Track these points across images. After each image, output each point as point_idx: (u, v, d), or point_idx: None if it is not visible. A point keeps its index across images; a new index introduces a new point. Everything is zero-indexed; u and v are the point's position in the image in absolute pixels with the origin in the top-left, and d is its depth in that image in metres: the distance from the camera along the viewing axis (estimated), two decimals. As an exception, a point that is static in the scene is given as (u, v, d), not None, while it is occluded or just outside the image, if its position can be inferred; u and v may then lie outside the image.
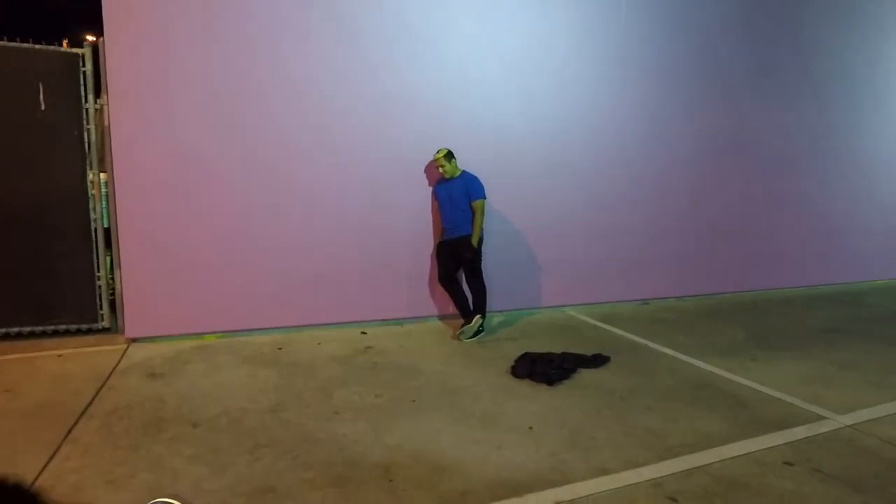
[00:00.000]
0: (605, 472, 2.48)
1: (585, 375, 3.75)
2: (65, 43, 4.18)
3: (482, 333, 4.62)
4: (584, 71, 5.53)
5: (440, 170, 4.63)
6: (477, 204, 4.55)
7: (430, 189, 4.96)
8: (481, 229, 4.57)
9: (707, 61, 6.19)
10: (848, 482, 2.41)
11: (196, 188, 4.26)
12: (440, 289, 4.86)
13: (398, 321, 4.97)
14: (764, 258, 6.95)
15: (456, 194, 4.59)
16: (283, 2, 4.37)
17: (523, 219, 5.38)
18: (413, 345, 4.38)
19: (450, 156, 4.62)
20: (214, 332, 4.40)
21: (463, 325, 4.58)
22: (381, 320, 4.92)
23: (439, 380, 3.60)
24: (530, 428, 2.91)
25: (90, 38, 4.33)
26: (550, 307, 5.65)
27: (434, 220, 4.98)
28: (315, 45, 4.49)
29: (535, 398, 3.34)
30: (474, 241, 4.52)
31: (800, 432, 2.92)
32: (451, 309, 5.02)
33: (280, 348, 4.16)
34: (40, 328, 4.14)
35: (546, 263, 5.59)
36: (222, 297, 4.40)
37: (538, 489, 2.32)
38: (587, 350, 4.20)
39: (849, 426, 3.01)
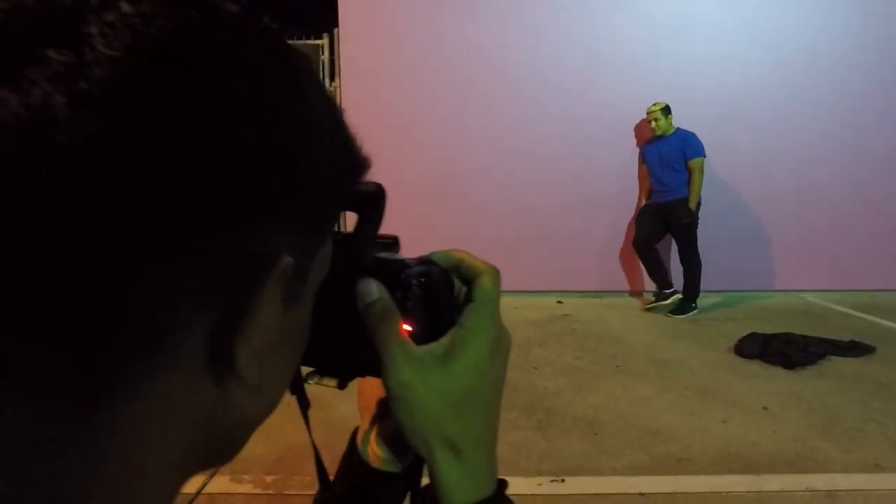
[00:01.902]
0: (879, 468, 1.94)
1: (839, 364, 3.04)
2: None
3: (695, 311, 4.09)
4: (828, 15, 4.48)
5: (653, 124, 4.15)
6: (695, 163, 4.01)
7: (637, 154, 4.57)
8: (699, 192, 4.04)
9: None
10: None
11: (412, 157, 4.60)
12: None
13: (597, 293, 4.71)
14: None
15: (668, 153, 4.11)
16: (488, -29, 4.46)
17: (751, 184, 4.60)
18: (614, 317, 4.10)
19: (667, 110, 4.14)
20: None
21: (656, 301, 4.18)
22: (579, 291, 4.70)
23: (646, 350, 3.28)
24: (764, 408, 2.45)
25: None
26: (783, 291, 4.74)
27: (642, 186, 4.57)
28: (519, 8, 4.48)
29: (768, 379, 2.81)
30: (692, 205, 4.01)
31: None
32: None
33: (478, 309, 4.27)
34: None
35: (780, 239, 4.71)
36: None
37: (781, 472, 1.92)
38: (839, 338, 3.40)
39: None
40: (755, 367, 2.99)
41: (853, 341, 3.26)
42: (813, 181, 4.63)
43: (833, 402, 2.52)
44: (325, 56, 4.76)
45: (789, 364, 2.94)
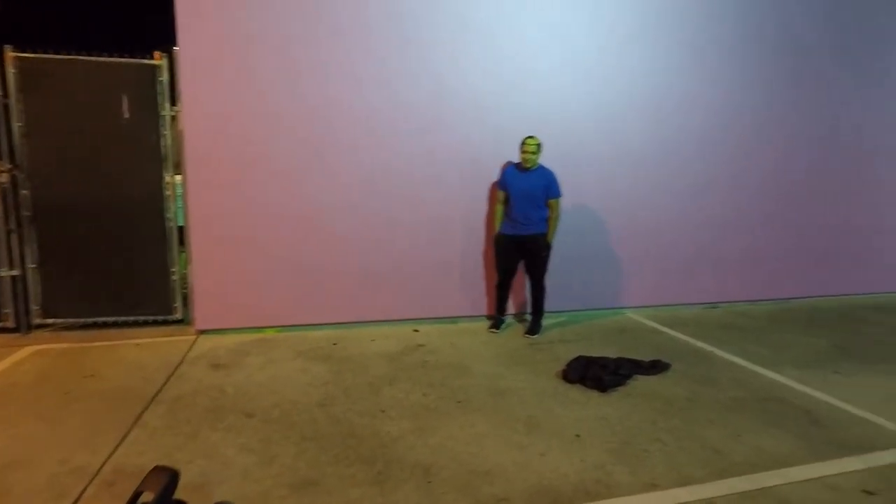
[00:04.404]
0: (654, 487, 2.35)
1: (642, 383, 3.58)
2: (157, 55, 4.48)
3: (538, 335, 4.59)
4: (649, 56, 5.24)
5: (528, 156, 4.44)
6: (556, 202, 4.51)
7: (487, 186, 4.91)
8: (557, 228, 4.59)
9: (788, 42, 5.69)
10: (940, 518, 2.14)
11: (261, 188, 4.46)
12: (495, 286, 4.83)
13: (452, 319, 4.97)
14: (855, 259, 6.32)
15: (535, 188, 4.47)
16: (340, 3, 4.47)
17: (581, 215, 5.21)
18: (465, 343, 4.37)
19: (541, 146, 4.50)
20: (274, 326, 4.60)
21: (493, 326, 4.76)
22: (435, 318, 4.94)
23: (488, 381, 3.56)
24: (577, 436, 2.82)
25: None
26: (609, 309, 5.44)
27: (490, 212, 4.88)
28: (373, 44, 4.56)
29: (585, 404, 3.22)
30: (551, 239, 4.55)
31: (884, 457, 2.62)
32: (513, 308, 5.03)
33: (334, 344, 4.28)
34: (123, 318, 4.51)
35: (605, 263, 5.38)
36: (282, 294, 4.59)
37: (579, 501, 2.23)
38: (646, 355, 4.01)
39: (946, 453, 2.67)
40: (576, 392, 3.41)
41: (654, 361, 3.86)
42: (629, 211, 5.37)
43: (631, 423, 2.98)
44: (164, 78, 4.41)
45: (602, 388, 3.40)
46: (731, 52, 5.49)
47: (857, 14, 5.94)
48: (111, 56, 4.35)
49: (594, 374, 3.52)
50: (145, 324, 4.54)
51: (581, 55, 5.05)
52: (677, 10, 5.27)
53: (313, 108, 4.51)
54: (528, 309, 4.86)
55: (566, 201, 4.98)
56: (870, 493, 2.32)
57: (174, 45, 4.32)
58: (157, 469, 0.49)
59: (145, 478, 0.48)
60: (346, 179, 4.63)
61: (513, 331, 4.77)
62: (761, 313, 5.58)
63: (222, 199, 4.41)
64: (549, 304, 4.77)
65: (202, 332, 4.46)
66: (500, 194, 4.66)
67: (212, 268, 4.45)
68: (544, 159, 4.63)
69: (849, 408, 3.21)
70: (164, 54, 4.46)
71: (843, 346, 4.49)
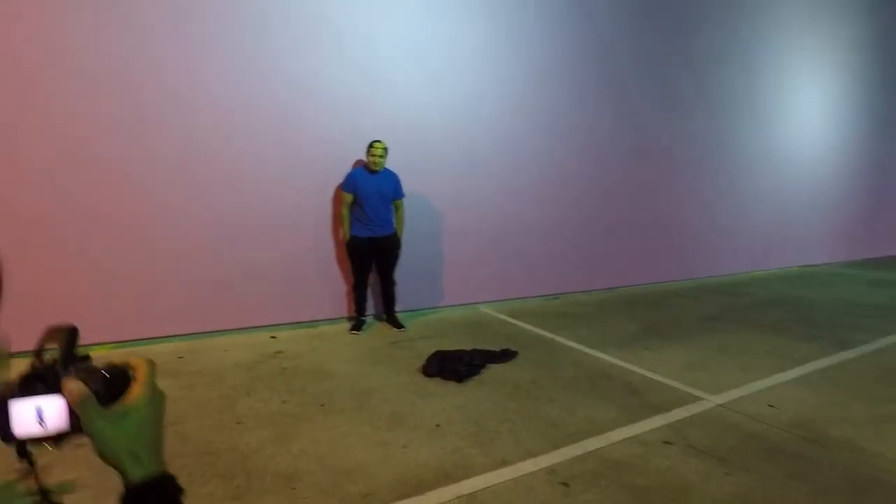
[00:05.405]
0: (504, 463, 2.61)
1: (493, 371, 3.90)
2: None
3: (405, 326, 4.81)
4: (493, 66, 5.71)
5: (376, 160, 4.55)
6: (402, 202, 4.79)
7: (335, 187, 4.90)
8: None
9: (608, 70, 6.61)
10: (715, 456, 2.71)
11: (83, 186, 3.94)
12: (352, 288, 4.86)
13: (311, 323, 4.89)
14: (659, 253, 7.55)
15: (386, 190, 4.64)
16: (179, -9, 4.13)
17: (436, 218, 5.48)
18: (326, 347, 4.33)
19: (387, 150, 4.67)
20: (106, 343, 4.10)
21: (354, 328, 4.79)
22: (293, 323, 4.81)
23: (350, 382, 3.59)
24: (437, 425, 2.99)
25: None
26: (464, 304, 5.80)
27: (336, 214, 4.89)
28: (216, 38, 4.29)
29: (443, 396, 3.42)
30: (401, 236, 4.81)
31: (679, 413, 3.22)
32: (373, 308, 5.06)
33: (181, 357, 3.95)
34: None
35: (459, 262, 5.72)
36: (114, 305, 4.10)
37: (440, 486, 2.40)
38: (497, 345, 4.37)
39: (720, 405, 3.36)
40: (435, 385, 3.60)
41: (504, 350, 4.23)
42: (479, 214, 5.79)
43: (484, 408, 3.24)
44: (-54, 53, 3.66)
45: (459, 378, 3.64)
46: (563, 71, 6.20)
47: (659, 52, 7.11)
48: None
49: (451, 366, 3.75)
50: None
51: (433, 62, 5.31)
52: (520, 28, 5.81)
53: (149, 99, 4.11)
54: (385, 308, 4.98)
55: (420, 201, 5.22)
56: (669, 443, 2.85)
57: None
58: (52, 327, 0.54)
59: (44, 335, 0.53)
60: (188, 178, 4.30)
61: (374, 331, 4.85)
62: (592, 302, 6.39)
63: (30, 196, 3.80)
64: (407, 303, 4.96)
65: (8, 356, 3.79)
66: (348, 197, 4.65)
67: (15, 278, 3.80)
68: (397, 161, 4.80)
69: (656, 377, 3.87)
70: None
71: (651, 326, 5.36)
